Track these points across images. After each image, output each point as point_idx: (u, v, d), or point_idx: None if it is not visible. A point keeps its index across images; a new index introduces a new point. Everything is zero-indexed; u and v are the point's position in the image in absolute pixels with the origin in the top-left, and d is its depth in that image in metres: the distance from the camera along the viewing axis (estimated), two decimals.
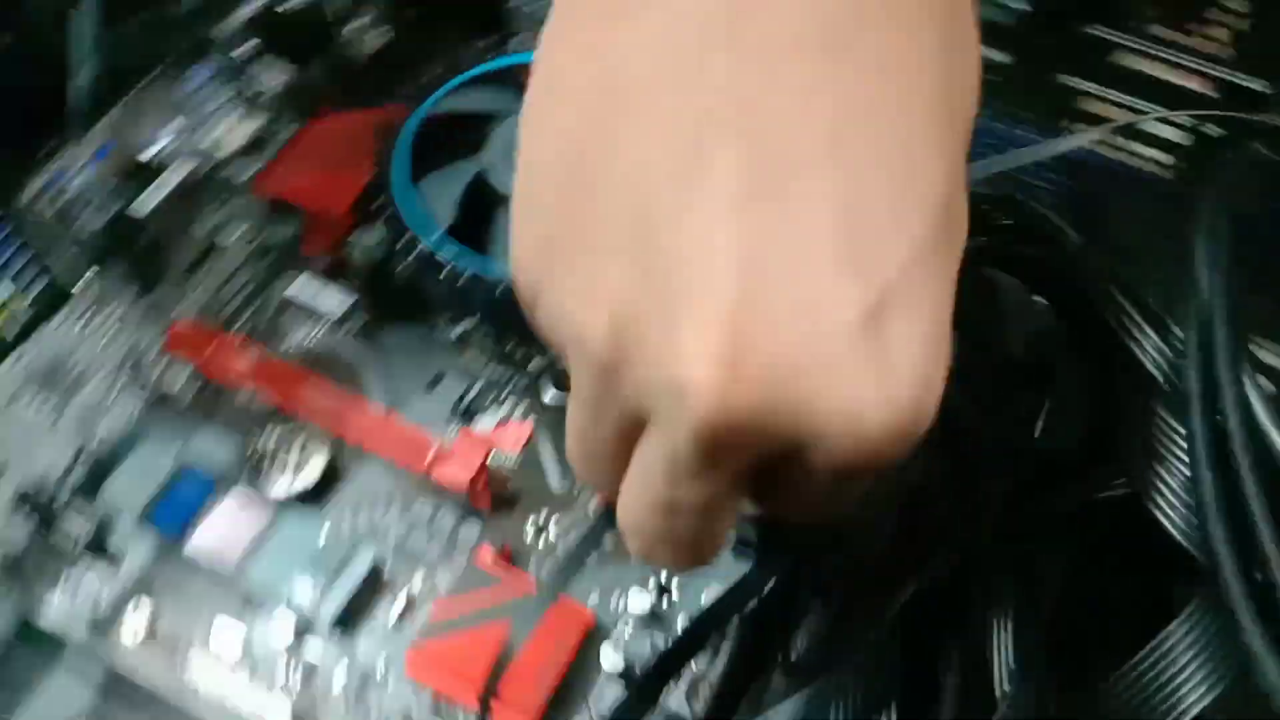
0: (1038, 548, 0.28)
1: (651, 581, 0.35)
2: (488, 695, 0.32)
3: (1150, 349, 0.26)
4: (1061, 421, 0.30)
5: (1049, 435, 0.29)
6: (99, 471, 0.37)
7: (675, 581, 0.35)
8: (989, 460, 0.29)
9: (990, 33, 0.39)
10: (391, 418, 0.38)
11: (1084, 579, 0.28)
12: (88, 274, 0.39)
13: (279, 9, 0.43)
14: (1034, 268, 0.30)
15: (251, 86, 0.43)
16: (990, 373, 0.31)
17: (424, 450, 0.36)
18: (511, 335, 0.39)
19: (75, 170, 0.38)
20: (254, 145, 0.42)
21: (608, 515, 0.32)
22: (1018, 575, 0.28)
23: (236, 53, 0.42)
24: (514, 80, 0.40)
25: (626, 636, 0.34)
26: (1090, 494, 0.28)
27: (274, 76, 0.43)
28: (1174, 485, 0.25)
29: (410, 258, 0.37)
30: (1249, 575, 0.23)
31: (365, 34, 0.45)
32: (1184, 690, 0.24)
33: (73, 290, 0.38)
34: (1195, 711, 0.24)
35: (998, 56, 0.40)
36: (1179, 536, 0.25)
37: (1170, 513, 0.25)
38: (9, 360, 0.37)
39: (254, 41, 0.42)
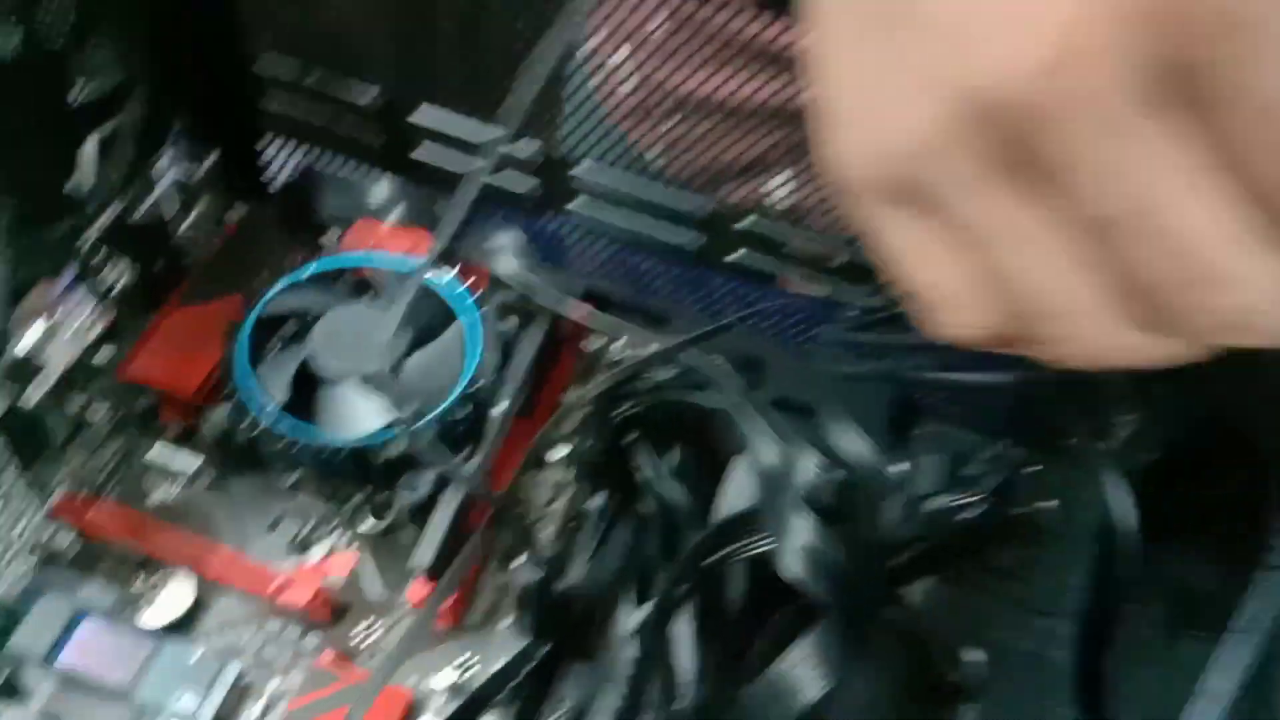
0: None
1: (458, 661, 0.47)
2: None
3: None
4: None
5: None
6: (5, 626, 0.45)
7: (477, 659, 0.47)
8: None
9: None
10: (241, 555, 0.48)
11: None
12: None
13: (127, 220, 0.53)
14: None
15: (104, 284, 0.53)
16: None
17: (270, 579, 0.47)
18: (334, 481, 0.50)
19: None
20: (110, 335, 0.52)
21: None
22: None
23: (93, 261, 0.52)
24: (327, 283, 0.52)
25: (439, 706, 0.46)
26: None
27: (122, 275, 0.53)
28: None
29: (252, 429, 0.48)
30: None
31: (199, 239, 0.56)
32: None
33: None
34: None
35: None
36: None
37: None
38: None
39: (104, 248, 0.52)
